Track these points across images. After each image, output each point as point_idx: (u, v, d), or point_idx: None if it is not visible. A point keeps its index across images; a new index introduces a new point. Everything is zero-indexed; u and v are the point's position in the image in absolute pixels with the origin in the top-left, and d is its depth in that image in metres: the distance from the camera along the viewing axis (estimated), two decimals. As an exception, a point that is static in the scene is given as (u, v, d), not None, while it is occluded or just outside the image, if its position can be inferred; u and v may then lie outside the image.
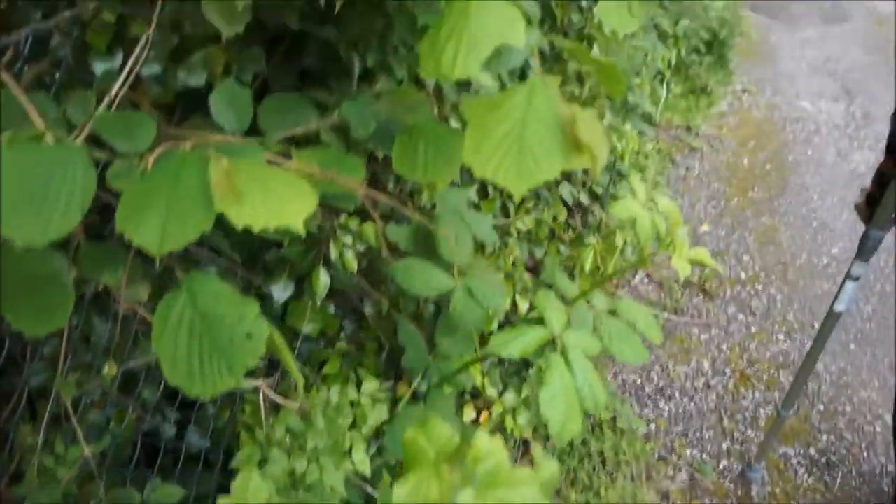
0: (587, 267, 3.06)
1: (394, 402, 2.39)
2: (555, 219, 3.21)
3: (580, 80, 2.98)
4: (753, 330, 3.59)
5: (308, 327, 2.22)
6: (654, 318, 1.77)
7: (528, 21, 0.82)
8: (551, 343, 1.50)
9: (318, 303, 2.07)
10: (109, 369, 1.25)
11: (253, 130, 1.26)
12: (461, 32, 0.76)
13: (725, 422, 3.09)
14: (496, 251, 2.71)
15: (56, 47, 1.40)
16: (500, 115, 0.77)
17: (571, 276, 3.25)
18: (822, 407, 3.17)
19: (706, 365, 3.36)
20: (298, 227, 0.83)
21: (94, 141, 1.03)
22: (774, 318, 3.67)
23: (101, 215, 1.34)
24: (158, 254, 0.86)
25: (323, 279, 1.94)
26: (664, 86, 4.84)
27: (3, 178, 0.87)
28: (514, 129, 0.76)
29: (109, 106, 1.16)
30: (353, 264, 1.94)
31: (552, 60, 2.69)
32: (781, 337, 3.55)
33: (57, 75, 1.39)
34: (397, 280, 1.71)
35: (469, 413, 2.77)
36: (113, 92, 1.21)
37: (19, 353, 1.62)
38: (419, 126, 1.13)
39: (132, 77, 1.21)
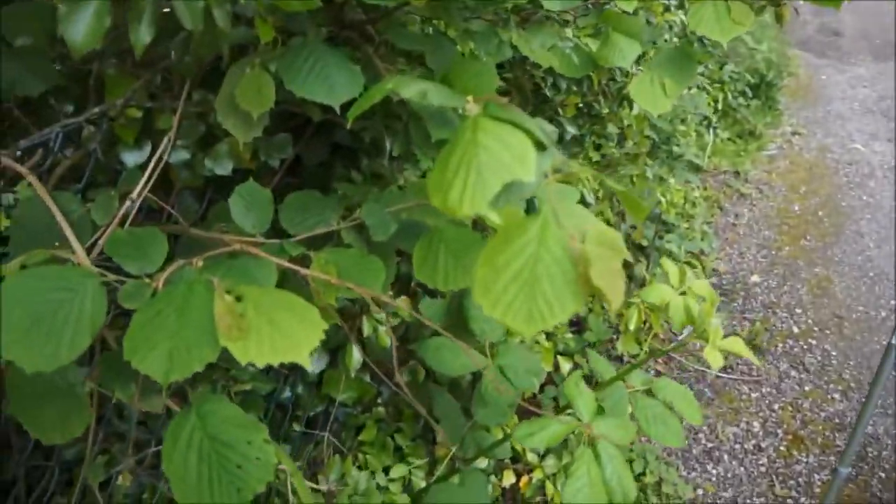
0: (632, 326, 2.98)
1: (432, 464, 2.36)
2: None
3: (621, 136, 2.94)
4: (807, 388, 3.46)
5: (343, 395, 2.20)
6: (692, 398, 1.70)
7: (541, 146, 0.78)
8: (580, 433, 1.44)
9: (353, 375, 2.05)
10: (124, 480, 1.23)
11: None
12: (469, 167, 0.73)
13: (777, 487, 2.96)
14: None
15: (87, 140, 1.42)
16: (511, 253, 0.73)
17: (616, 333, 3.18)
18: (883, 474, 3.02)
19: (757, 425, 3.24)
20: (304, 362, 0.80)
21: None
22: (829, 376, 3.53)
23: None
24: (165, 383, 0.84)
25: (356, 356, 1.92)
26: (710, 131, 4.75)
27: (6, 304, 0.86)
28: (526, 268, 0.73)
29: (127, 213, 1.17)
30: (387, 340, 1.92)
31: (587, 119, 2.66)
32: (837, 396, 3.41)
33: (88, 168, 1.40)
34: (427, 359, 1.68)
35: (509, 477, 2.71)
36: (135, 193, 1.22)
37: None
38: (440, 230, 1.10)
39: (155, 176, 1.21)
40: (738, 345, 1.45)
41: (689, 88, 4.19)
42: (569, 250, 0.72)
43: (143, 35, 0.83)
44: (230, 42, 1.09)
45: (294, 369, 2.16)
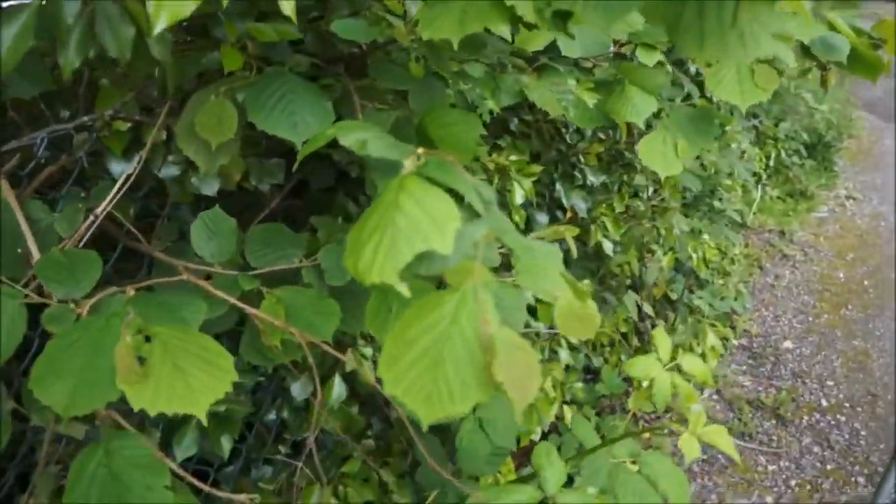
0: (645, 383, 2.88)
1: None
2: (620, 324, 3.06)
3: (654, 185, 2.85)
4: (829, 467, 3.29)
5: (329, 425, 2.15)
6: (682, 480, 1.60)
7: (474, 214, 0.72)
8: (545, 505, 1.36)
9: (336, 407, 2.00)
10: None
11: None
12: (384, 231, 0.68)
13: (783, 571, 2.82)
14: (544, 366, 2.58)
15: (77, 147, 1.40)
16: (421, 327, 0.68)
17: (629, 389, 3.07)
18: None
19: (769, 501, 3.09)
20: (200, 415, 0.75)
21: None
22: (855, 457, 3.35)
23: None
24: (65, 416, 0.81)
25: (337, 390, 1.87)
26: (759, 188, 4.61)
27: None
28: (434, 347, 0.67)
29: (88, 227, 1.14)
30: (371, 377, 1.86)
31: (617, 168, 2.58)
32: (861, 480, 3.23)
33: (72, 176, 1.39)
34: (400, 403, 1.62)
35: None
36: (99, 209, 1.19)
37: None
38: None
39: (119, 195, 1.19)
40: (720, 436, 1.36)
41: (739, 143, 4.08)
42: (481, 334, 0.66)
43: (71, 58, 0.81)
44: (200, 68, 1.06)
45: (283, 392, 2.13)
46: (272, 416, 2.08)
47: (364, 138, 0.79)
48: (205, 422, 0.75)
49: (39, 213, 1.21)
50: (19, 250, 1.17)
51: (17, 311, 0.87)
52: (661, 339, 1.51)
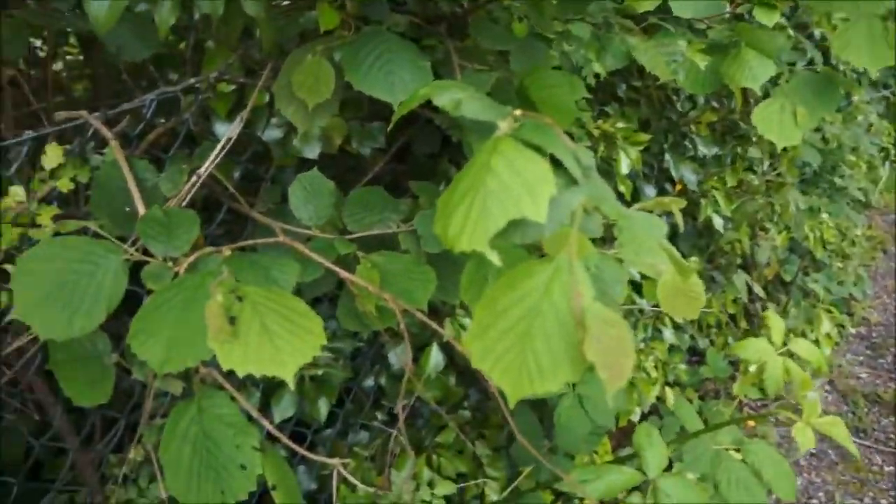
0: (752, 367, 2.75)
1: (512, 479, 2.27)
2: (728, 305, 2.93)
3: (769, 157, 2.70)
4: (954, 468, 3.07)
5: (427, 394, 2.15)
6: (788, 470, 1.52)
7: (572, 180, 0.68)
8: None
9: (433, 376, 1.99)
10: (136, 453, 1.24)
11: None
12: (475, 195, 0.65)
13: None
14: (647, 345, 2.50)
15: (185, 109, 1.43)
16: (511, 299, 0.64)
17: (735, 374, 2.95)
18: None
19: None
20: (288, 378, 0.74)
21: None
22: (985, 459, 3.12)
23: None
24: (161, 372, 0.82)
25: (434, 359, 1.87)
26: (886, 165, 4.31)
27: (28, 270, 0.86)
28: (524, 321, 0.63)
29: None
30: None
31: (731, 139, 2.46)
32: None
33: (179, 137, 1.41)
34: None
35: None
36: (202, 168, 1.21)
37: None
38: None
39: (221, 155, 1.20)
40: (836, 428, 1.27)
41: (866, 115, 3.81)
42: (573, 308, 0.62)
43: (165, 16, 0.81)
44: (299, 28, 1.05)
45: (381, 359, 2.14)
46: (370, 382, 2.10)
47: (459, 98, 0.76)
48: (292, 385, 0.74)
49: (146, 173, 1.24)
50: (127, 209, 1.20)
51: (119, 267, 0.89)
52: (775, 322, 1.42)
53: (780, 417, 1.35)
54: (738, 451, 1.53)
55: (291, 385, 0.74)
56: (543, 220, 0.62)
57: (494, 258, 0.63)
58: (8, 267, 0.98)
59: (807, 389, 1.28)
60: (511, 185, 0.64)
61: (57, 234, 0.95)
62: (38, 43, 1.89)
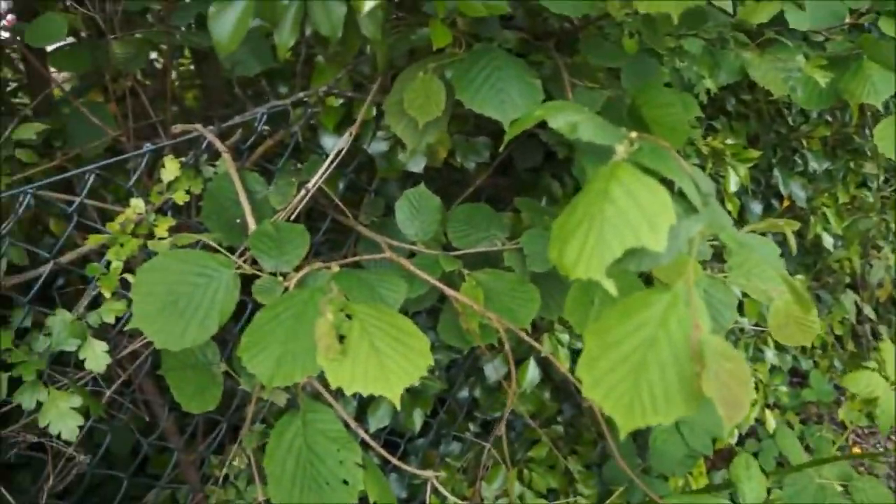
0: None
1: (605, 496, 2.23)
2: (835, 326, 2.79)
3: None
4: None
5: (520, 407, 2.14)
6: (901, 508, 1.44)
7: (691, 208, 0.66)
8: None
9: (528, 391, 1.98)
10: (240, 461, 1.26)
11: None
12: (592, 222, 0.63)
13: None
14: (747, 359, 2.41)
15: (294, 122, 1.46)
16: (626, 329, 0.62)
17: (839, 398, 2.81)
18: None
19: None
20: (394, 398, 0.75)
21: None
22: None
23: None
24: (269, 386, 0.84)
25: (531, 374, 1.85)
26: None
27: (148, 281, 0.90)
28: (637, 352, 0.61)
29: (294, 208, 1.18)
30: (567, 363, 1.83)
31: (844, 153, 2.35)
32: None
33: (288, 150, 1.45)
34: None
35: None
36: (311, 182, 1.23)
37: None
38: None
39: (330, 169, 1.22)
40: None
41: None
42: (691, 341, 0.60)
43: (286, 38, 0.82)
44: (410, 45, 1.06)
45: (476, 371, 2.14)
46: (465, 393, 2.10)
47: (574, 121, 0.75)
48: (398, 405, 0.74)
49: (256, 185, 1.27)
50: (237, 220, 1.24)
51: (231, 280, 0.91)
52: (889, 353, 1.35)
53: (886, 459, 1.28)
54: (844, 487, 1.46)
55: (398, 405, 0.74)
56: (663, 249, 0.60)
57: (611, 287, 0.61)
58: (127, 276, 1.03)
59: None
60: (629, 214, 0.62)
61: (173, 246, 0.98)
62: (154, 55, 1.97)
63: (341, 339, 0.78)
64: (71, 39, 1.63)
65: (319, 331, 0.76)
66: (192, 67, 2.31)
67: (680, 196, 0.69)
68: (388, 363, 0.76)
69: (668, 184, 0.71)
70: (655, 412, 0.60)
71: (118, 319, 1.08)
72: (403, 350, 0.78)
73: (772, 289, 1.02)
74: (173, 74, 2.29)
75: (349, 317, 0.80)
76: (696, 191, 0.68)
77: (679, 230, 0.66)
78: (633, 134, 0.74)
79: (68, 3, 1.46)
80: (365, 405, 1.69)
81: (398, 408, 0.74)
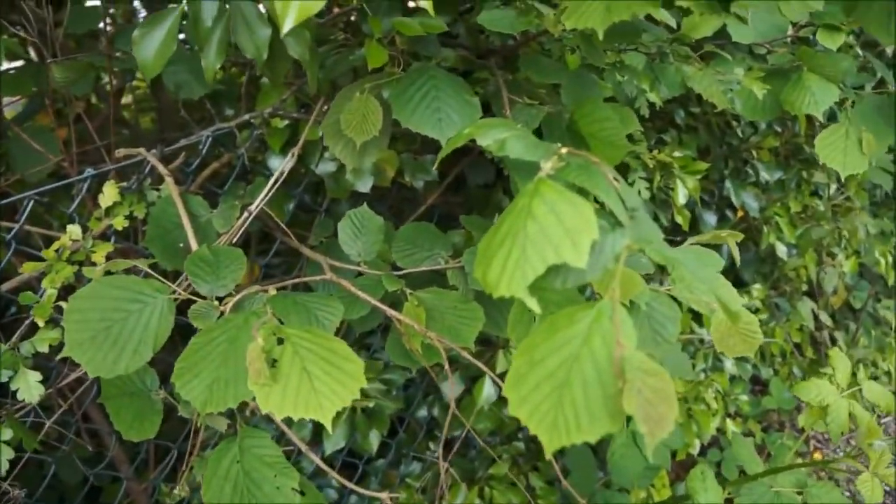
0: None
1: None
2: (793, 333, 2.82)
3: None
4: None
5: (479, 425, 2.13)
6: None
7: (616, 223, 0.66)
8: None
9: (484, 408, 1.97)
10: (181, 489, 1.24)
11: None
12: (514, 240, 0.63)
13: None
14: (707, 376, 2.42)
15: (241, 144, 1.45)
16: (551, 346, 0.62)
17: (800, 405, 2.84)
18: None
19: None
20: (325, 422, 0.74)
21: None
22: None
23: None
24: (203, 412, 0.82)
25: (486, 391, 1.84)
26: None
27: (80, 309, 0.88)
28: (561, 369, 0.61)
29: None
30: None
31: (796, 163, 2.38)
32: None
33: (234, 172, 1.43)
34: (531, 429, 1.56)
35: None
36: (253, 206, 1.22)
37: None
38: (541, 289, 1.00)
39: (272, 191, 1.21)
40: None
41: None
42: (614, 358, 0.59)
43: (212, 60, 0.81)
44: (350, 64, 1.05)
45: (435, 389, 2.13)
46: (423, 412, 2.09)
47: (503, 137, 0.75)
48: (330, 429, 0.73)
49: (200, 208, 1.26)
50: (181, 244, 1.22)
51: (166, 305, 0.90)
52: (839, 361, 1.36)
53: (843, 466, 1.29)
54: (801, 493, 1.47)
55: (329, 428, 0.73)
56: (584, 265, 0.60)
57: (534, 305, 0.61)
58: (63, 304, 1.01)
59: (874, 437, 1.22)
60: (551, 230, 0.62)
61: (108, 272, 0.96)
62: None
63: (274, 363, 0.77)
64: (17, 63, 1.61)
65: (250, 356, 0.75)
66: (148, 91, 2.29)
67: (608, 212, 0.69)
68: (319, 387, 0.75)
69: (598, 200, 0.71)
70: (579, 430, 0.59)
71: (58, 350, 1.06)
72: (335, 373, 0.77)
73: (713, 301, 1.03)
74: (130, 98, 2.27)
75: (281, 341, 0.79)
76: (622, 206, 0.68)
77: (604, 245, 0.66)
78: (563, 150, 0.75)
79: (17, 28, 1.44)
80: (320, 428, 1.67)
81: (330, 430, 0.73)
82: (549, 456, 0.60)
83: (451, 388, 1.87)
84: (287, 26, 0.60)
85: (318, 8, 0.59)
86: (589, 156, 0.75)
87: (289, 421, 1.33)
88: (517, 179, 0.80)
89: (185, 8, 0.81)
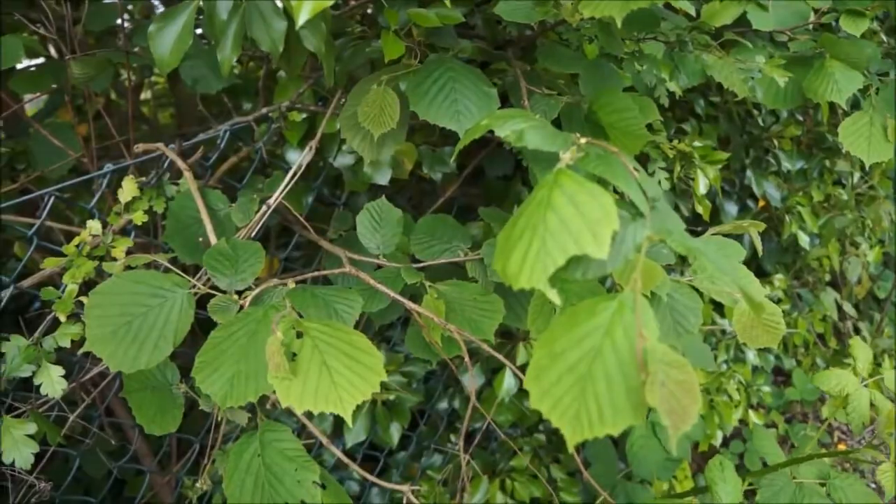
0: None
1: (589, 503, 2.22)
2: (816, 324, 2.79)
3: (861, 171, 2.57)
4: None
5: (500, 417, 2.13)
6: (882, 505, 1.43)
7: (637, 213, 0.65)
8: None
9: (506, 400, 1.97)
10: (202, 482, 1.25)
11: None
12: (534, 231, 0.62)
13: None
14: (728, 367, 2.40)
15: (259, 138, 1.45)
16: (572, 338, 0.61)
17: (823, 396, 2.81)
18: None
19: None
20: (346, 415, 0.74)
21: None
22: None
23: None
24: (223, 406, 0.83)
25: (507, 383, 1.84)
26: None
27: (101, 303, 0.88)
28: (583, 362, 0.60)
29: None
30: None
31: (818, 151, 2.35)
32: None
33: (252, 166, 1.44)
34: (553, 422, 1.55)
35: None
36: (272, 199, 1.22)
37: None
38: (561, 280, 0.99)
39: (290, 185, 1.21)
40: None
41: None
42: (636, 350, 0.59)
43: (227, 54, 0.81)
44: (366, 57, 1.05)
45: (455, 381, 2.13)
46: (444, 405, 2.09)
47: (521, 128, 0.74)
48: (350, 422, 0.73)
49: (218, 202, 1.26)
50: (200, 238, 1.23)
51: (186, 300, 0.90)
52: (860, 350, 1.34)
53: (863, 457, 1.27)
54: (823, 485, 1.45)
55: (349, 422, 0.73)
56: (605, 256, 0.59)
57: (554, 297, 0.60)
58: (84, 299, 1.01)
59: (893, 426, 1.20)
60: (571, 222, 0.61)
61: (128, 267, 0.97)
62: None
63: (293, 357, 0.77)
64: (38, 60, 1.62)
65: (270, 350, 0.75)
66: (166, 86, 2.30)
67: (628, 202, 0.69)
68: (339, 380, 0.75)
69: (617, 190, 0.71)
70: (602, 423, 0.59)
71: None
72: (355, 367, 0.77)
73: (735, 291, 1.02)
74: (148, 94, 2.28)
75: (300, 335, 0.79)
76: (643, 196, 0.68)
77: (625, 236, 0.66)
78: (582, 140, 0.74)
79: (36, 26, 1.45)
80: (341, 421, 1.68)
81: (350, 424, 0.73)
82: (571, 449, 0.60)
83: (472, 380, 1.86)
84: (302, 19, 0.60)
85: (332, 0, 0.58)
86: (608, 146, 0.74)
87: (309, 414, 1.33)
88: (536, 170, 0.80)
89: (201, 2, 0.81)
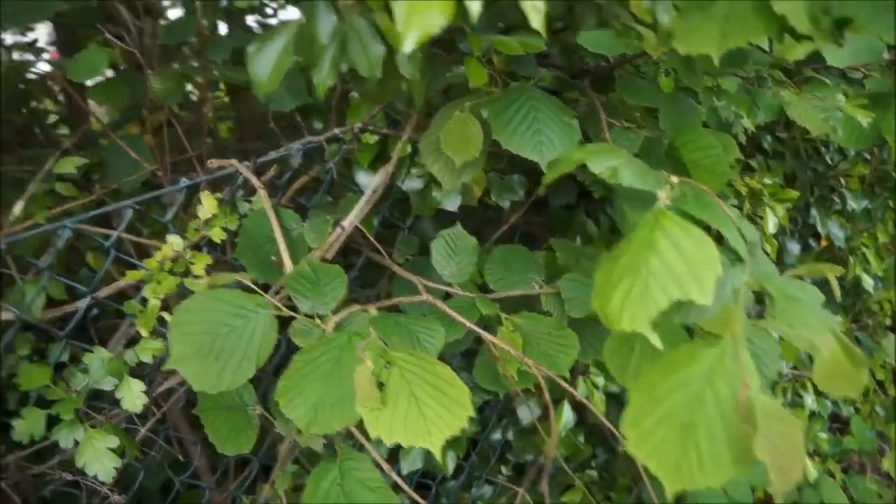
0: (901, 444, 2.55)
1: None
2: (876, 370, 2.72)
3: None
4: None
5: (554, 451, 2.10)
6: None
7: (737, 258, 0.65)
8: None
9: (562, 434, 1.95)
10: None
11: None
12: (636, 274, 0.62)
13: None
14: (784, 405, 2.35)
15: (329, 158, 1.46)
16: (671, 384, 0.61)
17: (882, 446, 2.73)
18: None
19: None
20: (435, 449, 0.74)
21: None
22: None
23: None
24: (307, 433, 0.83)
25: (565, 417, 1.82)
26: None
27: (186, 321, 0.89)
28: (683, 410, 0.59)
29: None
30: (602, 407, 1.79)
31: (883, 190, 2.30)
32: None
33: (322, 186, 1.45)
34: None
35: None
36: (346, 222, 1.23)
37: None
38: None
39: (366, 210, 1.22)
40: None
41: None
42: (739, 400, 0.58)
43: (324, 77, 0.82)
44: (445, 83, 1.05)
45: (509, 412, 2.11)
46: (497, 435, 2.07)
47: (615, 165, 0.74)
48: (439, 457, 0.73)
49: (291, 222, 1.27)
50: (273, 258, 1.24)
51: (268, 321, 0.90)
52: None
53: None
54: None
55: (439, 457, 0.73)
56: (709, 303, 0.58)
57: (656, 341, 0.60)
58: (163, 314, 1.03)
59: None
60: (674, 266, 0.61)
61: (211, 285, 0.98)
62: (189, 87, 2.00)
63: (380, 386, 0.77)
64: (110, 73, 1.66)
65: (359, 378, 0.75)
66: (226, 100, 2.34)
67: (725, 245, 0.68)
68: (427, 413, 0.75)
69: (709, 230, 0.70)
70: (704, 474, 0.58)
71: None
72: (443, 399, 0.77)
73: (818, 339, 0.99)
74: (208, 107, 2.32)
75: (388, 364, 0.79)
76: (742, 240, 0.67)
77: (725, 281, 0.65)
78: (674, 179, 0.74)
79: (108, 37, 1.49)
80: (397, 447, 1.67)
81: (440, 459, 0.73)
82: (669, 498, 0.59)
83: (551, 415, 1.85)
84: (408, 48, 0.60)
85: (438, 28, 0.58)
86: (700, 185, 0.74)
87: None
88: (627, 208, 0.79)
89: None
